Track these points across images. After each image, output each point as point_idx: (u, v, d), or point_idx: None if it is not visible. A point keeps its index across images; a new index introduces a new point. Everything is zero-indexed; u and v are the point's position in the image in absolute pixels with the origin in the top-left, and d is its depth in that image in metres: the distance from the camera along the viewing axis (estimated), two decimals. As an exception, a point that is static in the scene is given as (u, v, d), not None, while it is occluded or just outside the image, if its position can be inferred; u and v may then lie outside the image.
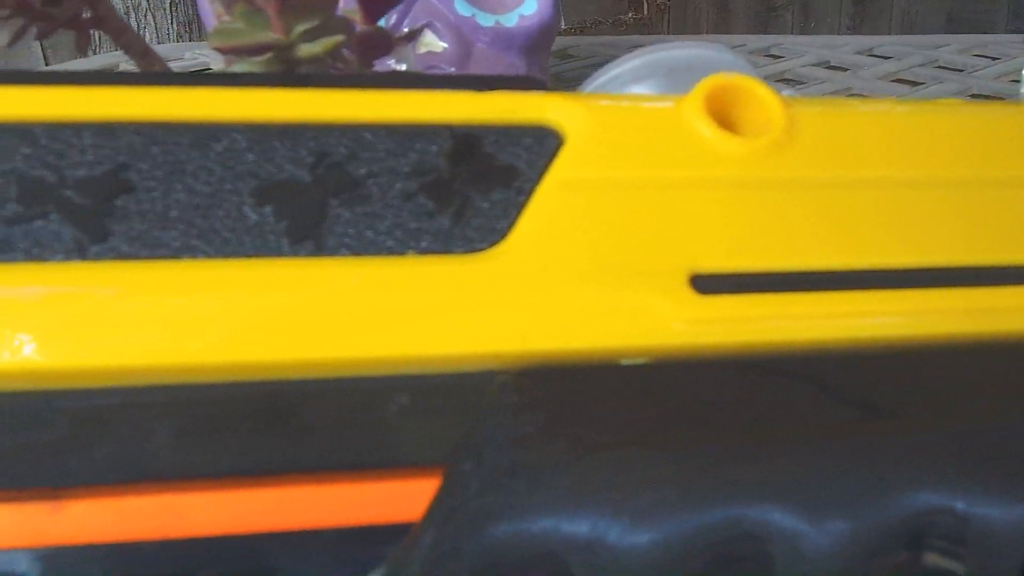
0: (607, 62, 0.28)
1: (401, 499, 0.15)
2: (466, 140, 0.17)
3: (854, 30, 1.69)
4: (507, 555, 0.14)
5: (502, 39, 0.37)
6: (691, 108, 0.18)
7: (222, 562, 0.14)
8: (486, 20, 0.37)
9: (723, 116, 0.18)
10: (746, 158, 0.18)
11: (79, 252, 0.15)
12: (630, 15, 1.75)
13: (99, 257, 0.15)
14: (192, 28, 1.42)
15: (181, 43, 1.21)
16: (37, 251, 0.15)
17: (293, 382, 0.15)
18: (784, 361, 0.16)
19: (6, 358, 0.14)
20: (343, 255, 0.16)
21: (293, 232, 0.16)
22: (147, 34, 1.39)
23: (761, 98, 0.18)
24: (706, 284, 0.16)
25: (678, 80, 0.25)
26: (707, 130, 0.18)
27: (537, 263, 0.16)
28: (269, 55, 0.20)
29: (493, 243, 0.16)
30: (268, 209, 0.16)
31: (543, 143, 0.17)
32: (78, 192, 0.15)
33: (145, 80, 0.17)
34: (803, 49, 0.63)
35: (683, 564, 0.14)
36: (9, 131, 0.16)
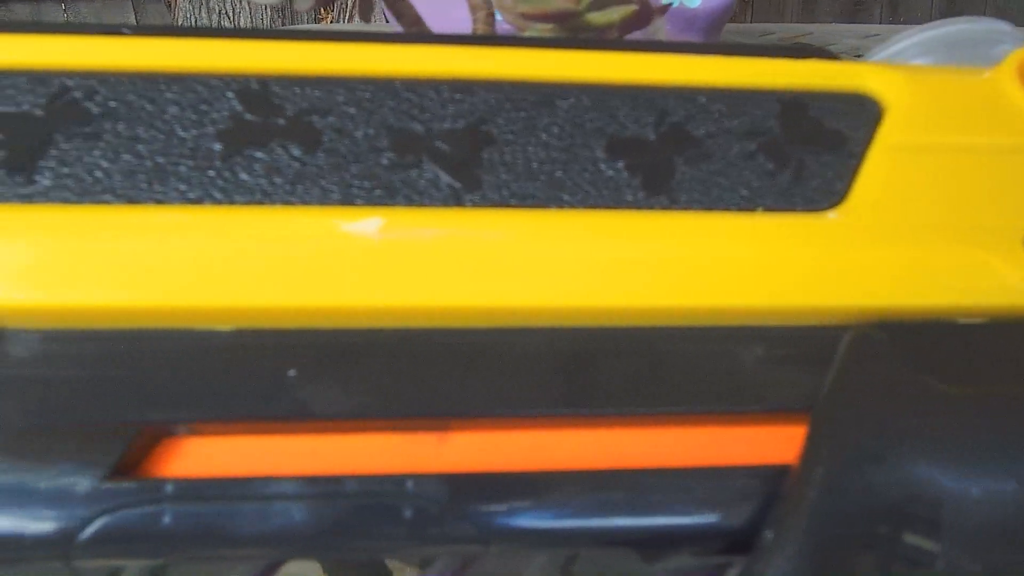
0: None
1: (766, 441, 0.15)
2: (793, 105, 0.17)
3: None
4: (887, 495, 0.14)
5: (683, 19, 0.38)
6: (1005, 78, 0.18)
7: (598, 494, 0.15)
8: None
9: None
10: None
11: (456, 199, 0.16)
12: (713, 7, 1.74)
13: (475, 204, 0.16)
14: (285, 13, 1.44)
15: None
16: (417, 197, 0.16)
17: (657, 329, 0.16)
18: None
19: (397, 297, 0.15)
20: (696, 209, 0.16)
21: (648, 186, 0.16)
22: (241, 19, 1.42)
23: None
24: None
25: (963, 53, 0.25)
26: (1023, 99, 0.18)
27: (879, 223, 0.16)
28: (552, 25, 0.21)
29: (834, 203, 0.17)
30: (621, 164, 0.16)
31: (864, 109, 0.18)
32: (446, 143, 0.16)
33: (492, 41, 0.18)
34: (937, 39, 0.62)
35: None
36: (373, 85, 0.17)
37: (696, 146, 0.17)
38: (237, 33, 0.17)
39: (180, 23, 1.40)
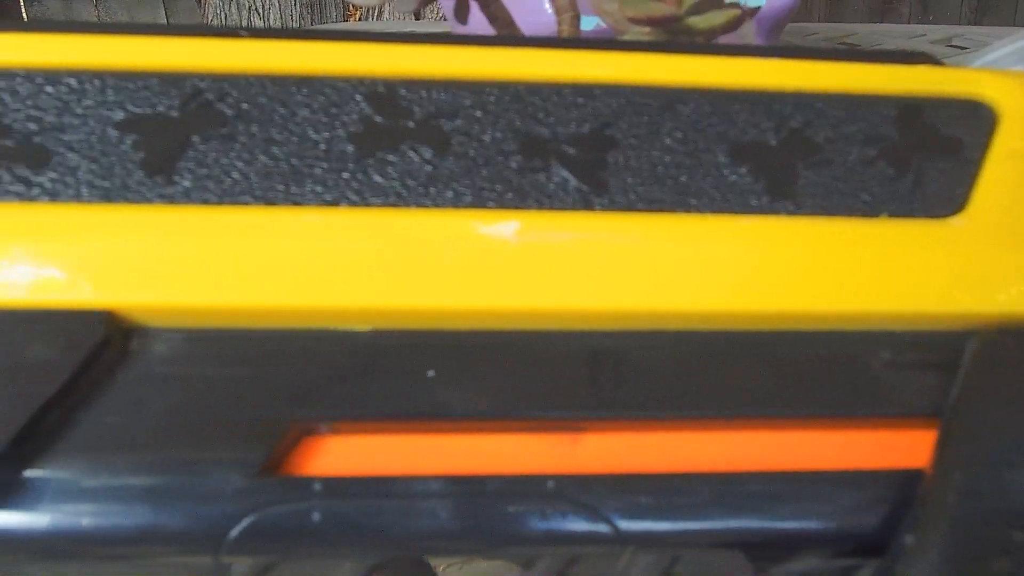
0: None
1: (893, 445, 0.16)
2: (909, 111, 0.18)
3: (976, 24, 1.65)
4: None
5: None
6: None
7: (733, 496, 0.15)
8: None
9: None
10: None
11: (585, 203, 0.16)
12: (740, 5, 1.73)
13: (604, 208, 0.16)
14: (315, 10, 1.45)
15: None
16: (547, 201, 0.16)
17: (784, 333, 0.16)
18: None
19: (531, 299, 0.15)
20: (819, 215, 0.16)
21: (772, 191, 0.16)
22: (271, 15, 1.42)
23: None
24: None
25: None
26: None
27: (1001, 229, 0.17)
28: (649, 29, 0.21)
29: (956, 209, 0.17)
30: (744, 169, 0.17)
31: (978, 115, 0.18)
32: (572, 147, 0.16)
33: (608, 46, 0.18)
34: (984, 39, 0.62)
35: None
36: (497, 88, 0.17)
37: (817, 152, 0.17)
38: (358, 36, 0.17)
39: (210, 20, 1.41)
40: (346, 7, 1.48)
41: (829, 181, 0.17)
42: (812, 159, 0.17)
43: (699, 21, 0.21)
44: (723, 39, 0.24)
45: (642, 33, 0.22)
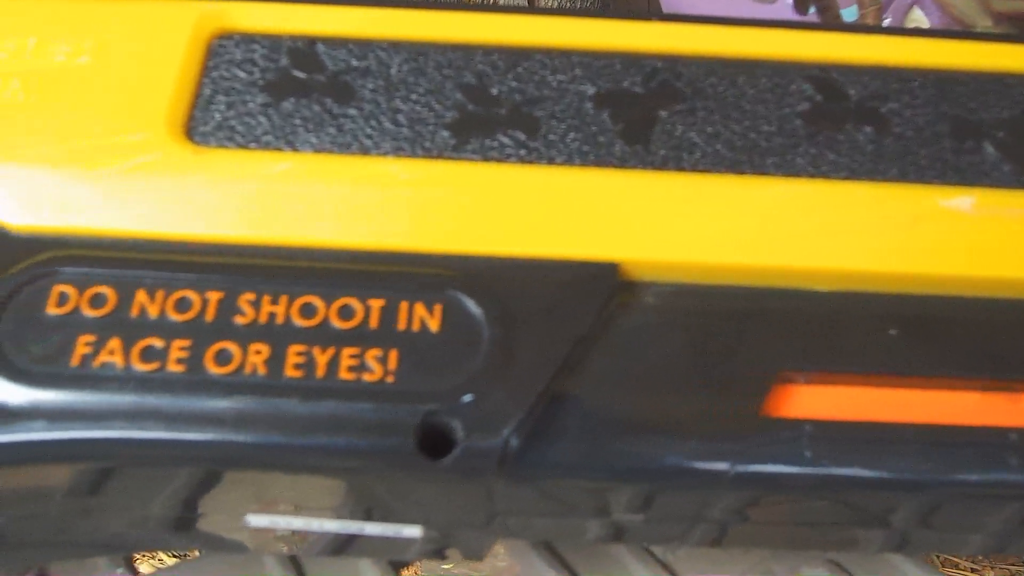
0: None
1: None
2: None
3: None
4: None
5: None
6: None
7: None
8: None
9: None
10: None
11: (1019, 182, 0.17)
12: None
13: None
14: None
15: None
16: (982, 179, 0.17)
17: None
18: None
19: (982, 267, 0.17)
20: None
21: None
22: None
23: None
24: None
25: None
26: None
27: None
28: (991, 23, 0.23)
29: None
30: None
31: None
32: (1000, 130, 0.18)
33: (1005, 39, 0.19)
34: None
35: None
36: (920, 75, 0.18)
37: None
38: (785, 24, 0.19)
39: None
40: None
41: None
42: None
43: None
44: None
45: (987, 27, 0.23)
